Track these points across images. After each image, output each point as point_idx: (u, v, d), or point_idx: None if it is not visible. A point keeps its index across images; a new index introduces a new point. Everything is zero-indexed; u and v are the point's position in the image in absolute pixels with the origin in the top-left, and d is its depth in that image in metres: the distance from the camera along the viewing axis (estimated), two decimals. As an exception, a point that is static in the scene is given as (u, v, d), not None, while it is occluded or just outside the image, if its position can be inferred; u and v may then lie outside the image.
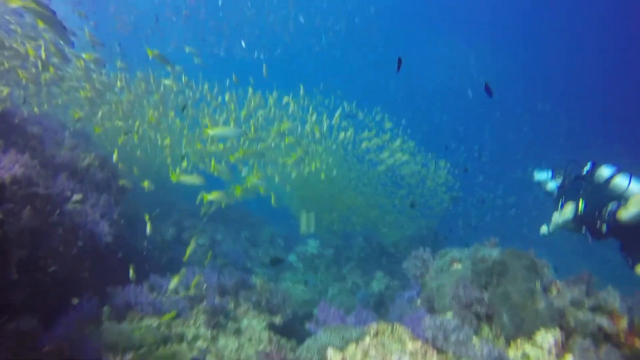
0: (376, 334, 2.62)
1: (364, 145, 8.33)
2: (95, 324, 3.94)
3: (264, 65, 7.29)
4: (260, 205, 11.57)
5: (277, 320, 4.98)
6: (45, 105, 6.43)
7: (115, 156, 5.78)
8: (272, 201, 6.33)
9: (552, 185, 4.89)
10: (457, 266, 3.56)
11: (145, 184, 6.16)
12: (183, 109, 6.88)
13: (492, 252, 3.19)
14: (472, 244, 4.23)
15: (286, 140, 6.85)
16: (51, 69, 5.57)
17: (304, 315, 6.05)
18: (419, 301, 4.62)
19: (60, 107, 7.27)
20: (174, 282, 4.60)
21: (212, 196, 5.21)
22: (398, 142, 8.55)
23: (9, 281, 2.28)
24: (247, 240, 9.04)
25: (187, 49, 8.26)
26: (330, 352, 2.31)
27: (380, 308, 7.11)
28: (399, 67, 3.93)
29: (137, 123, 6.92)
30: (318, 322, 3.23)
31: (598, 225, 4.03)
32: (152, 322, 4.32)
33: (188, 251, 5.01)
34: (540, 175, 5.06)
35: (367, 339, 2.58)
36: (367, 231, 10.03)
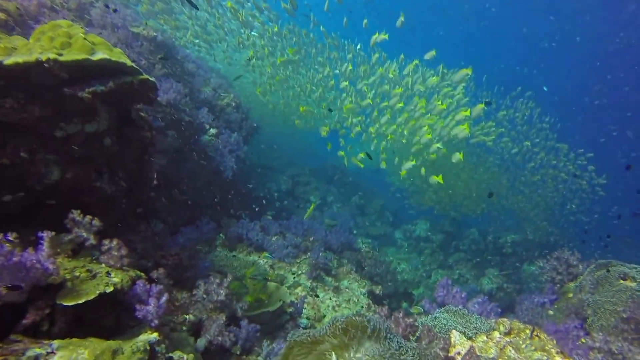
0: (508, 332, 2.12)
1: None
2: (210, 246, 4.23)
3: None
4: (371, 177, 11.32)
5: (378, 290, 4.72)
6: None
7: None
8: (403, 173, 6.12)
9: None
10: (631, 284, 2.72)
11: (297, 122, 7.08)
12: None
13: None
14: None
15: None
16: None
17: (403, 293, 5.68)
18: (551, 311, 3.86)
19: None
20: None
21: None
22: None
23: (151, 183, 2.45)
24: (357, 207, 8.89)
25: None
26: (456, 335, 1.91)
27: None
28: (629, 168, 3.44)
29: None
30: (435, 300, 2.83)
31: None
32: (257, 258, 4.49)
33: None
34: None
35: (496, 335, 2.11)
36: (483, 224, 9.05)
